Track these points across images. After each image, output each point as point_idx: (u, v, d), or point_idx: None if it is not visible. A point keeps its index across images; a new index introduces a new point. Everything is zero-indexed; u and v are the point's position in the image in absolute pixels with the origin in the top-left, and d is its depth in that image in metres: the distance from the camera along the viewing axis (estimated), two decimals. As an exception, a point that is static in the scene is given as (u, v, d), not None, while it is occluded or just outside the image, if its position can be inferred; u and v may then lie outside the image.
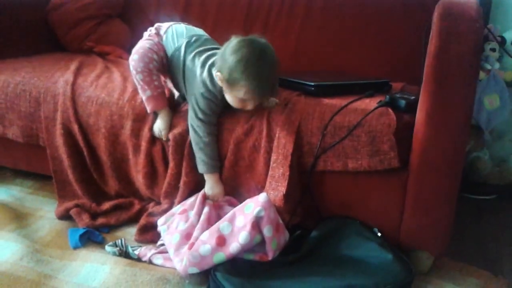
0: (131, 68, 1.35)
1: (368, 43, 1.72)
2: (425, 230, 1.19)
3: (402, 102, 1.19)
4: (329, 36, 1.76)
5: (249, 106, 1.22)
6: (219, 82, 1.23)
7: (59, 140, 1.44)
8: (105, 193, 1.47)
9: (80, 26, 1.88)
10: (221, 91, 1.25)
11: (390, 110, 1.18)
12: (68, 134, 1.43)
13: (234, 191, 1.33)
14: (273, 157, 1.23)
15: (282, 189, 1.20)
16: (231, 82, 1.18)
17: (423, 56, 1.13)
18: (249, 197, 1.23)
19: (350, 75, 1.57)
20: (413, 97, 1.21)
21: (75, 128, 1.42)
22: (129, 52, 1.89)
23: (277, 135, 1.22)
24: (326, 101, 1.28)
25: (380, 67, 1.69)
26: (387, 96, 1.21)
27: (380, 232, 1.21)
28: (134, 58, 1.34)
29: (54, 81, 1.47)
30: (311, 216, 1.28)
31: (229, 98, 1.23)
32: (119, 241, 1.27)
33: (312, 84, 1.33)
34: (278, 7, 1.83)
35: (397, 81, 1.52)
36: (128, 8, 2.05)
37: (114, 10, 2.00)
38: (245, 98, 1.20)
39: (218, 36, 1.46)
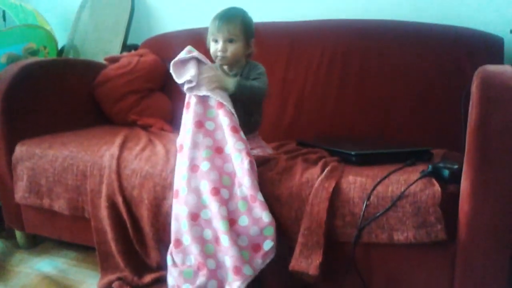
0: None
1: (404, 108, 1.73)
2: (477, 306, 1.13)
3: (446, 172, 1.17)
4: (366, 102, 1.78)
5: (219, 44, 1.43)
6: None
7: (104, 213, 1.46)
8: (147, 265, 1.47)
9: (124, 100, 1.97)
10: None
11: (434, 180, 1.16)
12: (112, 206, 1.46)
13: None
14: (305, 223, 1.21)
15: (318, 257, 1.18)
16: (208, 32, 1.46)
17: (463, 122, 1.13)
18: None
19: (390, 142, 1.56)
20: (456, 166, 1.18)
21: (120, 200, 1.44)
22: (170, 123, 1.99)
23: (309, 201, 1.22)
24: (367, 170, 1.27)
25: (419, 132, 1.69)
26: (430, 166, 1.19)
27: (430, 308, 1.16)
28: None
29: (100, 155, 1.52)
30: (357, 290, 1.24)
31: (210, 46, 1.47)
32: (160, 314, 1.26)
33: (353, 153, 1.33)
34: (314, 73, 1.88)
35: (437, 145, 1.51)
36: (169, 81, 2.14)
37: (156, 84, 2.10)
38: (212, 32, 1.44)
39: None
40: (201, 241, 1.25)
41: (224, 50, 1.44)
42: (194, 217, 1.26)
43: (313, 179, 1.24)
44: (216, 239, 1.25)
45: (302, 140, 1.66)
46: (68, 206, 1.54)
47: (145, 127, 1.90)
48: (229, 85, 1.39)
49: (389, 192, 1.17)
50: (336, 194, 1.20)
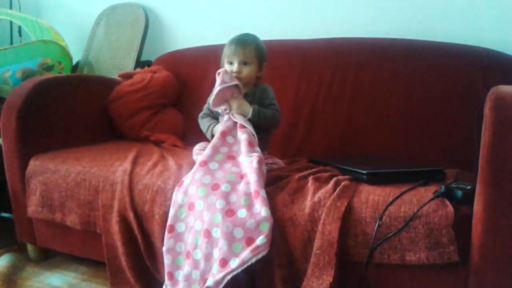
0: None
1: (416, 127, 1.73)
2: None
3: (459, 193, 1.16)
4: (377, 120, 1.78)
5: (234, 66, 1.53)
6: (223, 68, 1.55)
7: (115, 228, 1.47)
8: (157, 280, 1.47)
9: (137, 116, 1.99)
10: None
11: (446, 201, 1.15)
12: (123, 221, 1.46)
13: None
14: (317, 243, 1.21)
15: (329, 278, 1.17)
16: (223, 54, 1.57)
17: (476, 143, 1.12)
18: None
19: (402, 161, 1.56)
20: (469, 187, 1.18)
21: (131, 215, 1.45)
22: (182, 139, 2.01)
23: (321, 220, 1.21)
24: (379, 189, 1.26)
25: (431, 151, 1.68)
26: (443, 186, 1.19)
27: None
28: None
29: (113, 171, 1.53)
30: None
31: (225, 68, 1.54)
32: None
33: (365, 172, 1.33)
34: (326, 91, 1.89)
35: (449, 164, 1.50)
36: (181, 96, 2.16)
37: (169, 100, 2.12)
38: (228, 54, 1.54)
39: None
40: (193, 231, 1.30)
41: (239, 71, 1.53)
42: (191, 206, 1.32)
43: (325, 199, 1.24)
44: (206, 231, 1.27)
45: (314, 157, 1.66)
46: (80, 221, 1.55)
47: (158, 143, 1.92)
48: (247, 112, 1.50)
49: (402, 212, 1.16)
50: (348, 214, 1.20)
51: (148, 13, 2.42)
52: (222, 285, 1.21)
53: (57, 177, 1.59)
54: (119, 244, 1.46)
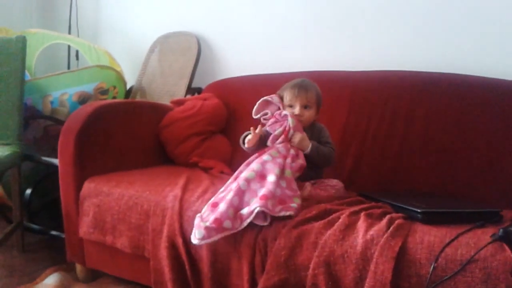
0: None
1: (471, 166, 1.69)
2: None
3: (518, 237, 1.13)
4: (430, 157, 1.75)
5: (296, 109, 1.60)
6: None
7: (163, 253, 1.49)
8: (203, 308, 1.48)
9: (187, 142, 2.03)
10: None
11: (505, 245, 1.11)
12: (172, 247, 1.48)
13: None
14: (369, 283, 1.18)
15: None
16: (282, 93, 1.64)
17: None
18: None
19: (456, 200, 1.52)
20: (528, 232, 1.14)
21: (180, 241, 1.46)
22: (229, 165, 2.03)
23: (374, 259, 1.19)
24: (435, 229, 1.23)
25: (485, 191, 1.64)
26: (501, 230, 1.15)
27: None
28: None
29: (164, 196, 1.56)
30: None
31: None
32: None
33: (419, 211, 1.31)
34: (376, 125, 1.87)
35: (504, 205, 1.46)
36: (230, 124, 2.19)
37: (218, 127, 2.16)
38: (290, 98, 1.61)
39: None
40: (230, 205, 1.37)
41: (301, 114, 1.61)
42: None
43: (378, 237, 1.22)
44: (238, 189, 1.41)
45: (364, 192, 1.65)
46: (130, 244, 1.58)
47: (206, 169, 1.94)
48: (306, 147, 1.58)
49: (458, 255, 1.13)
50: (402, 254, 1.17)
51: (200, 41, 2.49)
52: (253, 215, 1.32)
53: (110, 200, 1.63)
54: (166, 269, 1.48)
